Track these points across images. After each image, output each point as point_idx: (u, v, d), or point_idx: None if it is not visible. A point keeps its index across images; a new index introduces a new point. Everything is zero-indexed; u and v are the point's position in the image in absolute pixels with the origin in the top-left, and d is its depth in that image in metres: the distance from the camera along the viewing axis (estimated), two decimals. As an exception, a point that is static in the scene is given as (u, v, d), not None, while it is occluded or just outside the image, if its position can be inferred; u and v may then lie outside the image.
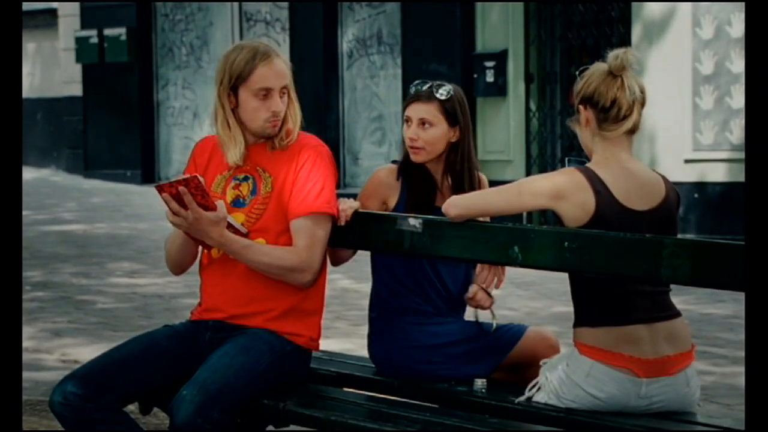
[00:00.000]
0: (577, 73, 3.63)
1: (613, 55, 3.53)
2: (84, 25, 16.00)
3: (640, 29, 11.03)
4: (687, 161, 10.70)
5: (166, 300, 8.09)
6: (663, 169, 10.64)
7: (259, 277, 3.76)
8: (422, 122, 3.98)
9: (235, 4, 14.61)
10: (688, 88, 10.68)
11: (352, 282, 8.61)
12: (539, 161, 11.85)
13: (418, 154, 3.99)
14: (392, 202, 4.01)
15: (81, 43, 15.86)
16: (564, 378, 3.51)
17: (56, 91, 17.17)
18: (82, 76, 16.29)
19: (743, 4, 10.31)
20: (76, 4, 16.28)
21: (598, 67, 3.56)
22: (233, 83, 3.76)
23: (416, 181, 4.00)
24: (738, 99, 10.39)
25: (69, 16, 16.57)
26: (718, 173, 10.62)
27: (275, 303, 3.78)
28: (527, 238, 3.48)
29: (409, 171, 4.01)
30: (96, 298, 8.37)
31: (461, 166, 4.00)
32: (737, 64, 10.40)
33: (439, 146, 3.99)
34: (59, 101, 17.08)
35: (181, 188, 3.59)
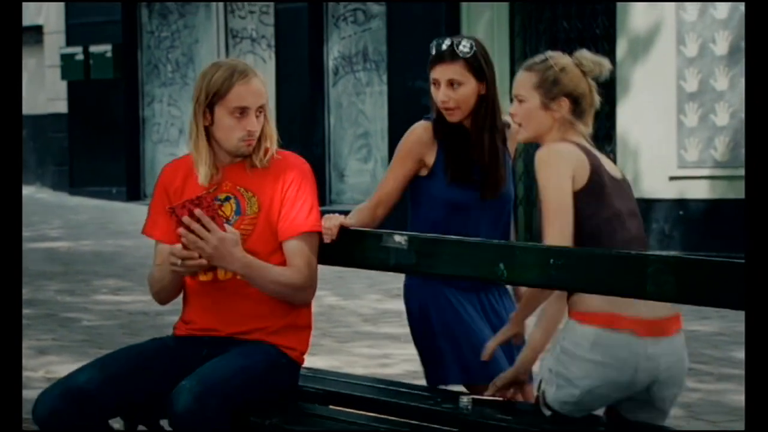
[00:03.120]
0: (538, 59, 3.71)
1: (591, 60, 3.67)
2: (69, 42, 15.99)
3: (624, 47, 11.07)
4: (672, 178, 10.73)
5: (151, 317, 8.08)
6: (648, 185, 10.68)
7: (256, 297, 3.77)
8: (450, 83, 3.98)
9: (221, 20, 14.63)
10: (673, 106, 10.72)
11: (338, 299, 8.60)
12: (525, 178, 11.88)
13: (453, 115, 4.00)
14: (430, 160, 4.02)
15: (66, 60, 15.85)
16: (566, 359, 3.49)
17: (42, 108, 17.15)
18: (68, 93, 16.28)
19: (726, 21, 10.36)
20: (62, 21, 16.27)
21: (569, 64, 3.68)
22: (210, 100, 3.75)
23: (453, 138, 4.01)
24: (722, 116, 10.44)
25: (55, 33, 16.57)
26: (702, 190, 10.66)
27: (273, 320, 3.79)
28: (512, 255, 3.49)
29: (444, 129, 4.02)
30: (81, 315, 8.35)
31: (485, 121, 4.02)
32: (721, 82, 10.44)
33: (471, 102, 4.00)
34: (44, 118, 17.05)
35: (198, 211, 3.57)
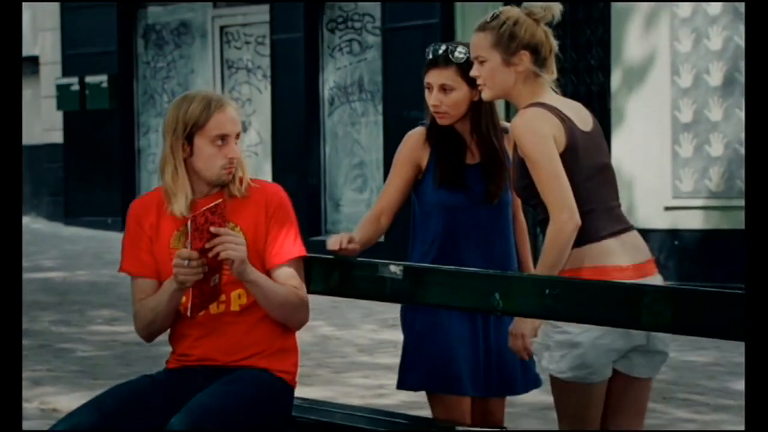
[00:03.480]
0: (489, 18, 3.73)
1: (540, 5, 3.70)
2: (65, 73, 16.01)
3: (619, 77, 11.11)
4: (667, 208, 10.73)
5: (146, 348, 8.05)
6: (643, 215, 10.68)
7: (248, 324, 3.78)
8: (442, 88, 4.05)
9: (217, 51, 14.66)
10: (668, 136, 10.74)
11: (334, 329, 8.58)
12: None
13: (443, 119, 4.07)
14: (423, 164, 4.09)
15: (62, 90, 15.87)
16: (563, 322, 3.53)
17: (37, 139, 17.14)
18: (64, 124, 16.29)
19: (720, 53, 10.40)
20: (58, 52, 16.30)
21: (521, 15, 3.70)
22: (189, 131, 3.75)
23: (444, 142, 4.08)
24: (717, 147, 10.46)
25: (51, 64, 16.59)
26: (697, 220, 10.66)
27: (266, 345, 3.82)
28: (508, 285, 3.49)
29: (436, 133, 4.10)
30: (76, 345, 8.32)
31: (486, 124, 4.08)
32: (716, 113, 10.47)
33: (462, 108, 4.07)
34: (40, 148, 17.05)
35: (215, 223, 3.56)
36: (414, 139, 4.13)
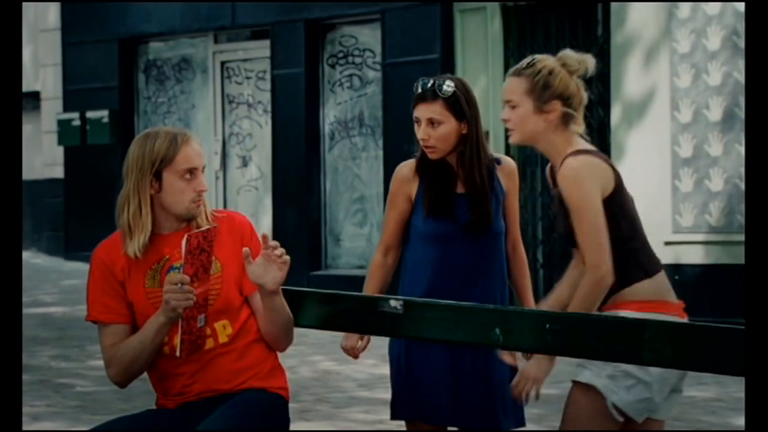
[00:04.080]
0: (525, 64, 3.79)
1: (576, 59, 3.80)
2: (66, 108, 16.05)
3: (619, 112, 11.13)
4: (667, 243, 10.73)
5: (146, 383, 8.01)
6: (643, 250, 10.67)
7: (241, 350, 3.80)
8: (430, 122, 4.09)
9: (218, 86, 14.70)
10: (668, 171, 10.76)
11: (334, 364, 8.56)
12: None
13: (433, 153, 4.12)
14: (413, 194, 4.15)
15: (63, 125, 15.90)
16: None
17: (38, 174, 17.17)
18: (64, 159, 16.32)
19: (720, 88, 10.43)
20: (59, 87, 16.35)
21: (557, 66, 3.78)
22: (156, 168, 3.74)
23: (432, 173, 4.13)
24: (717, 182, 10.47)
25: (51, 99, 16.64)
26: (697, 255, 10.66)
27: (260, 366, 3.84)
28: (508, 320, 3.48)
29: (426, 164, 4.15)
30: (75, 381, 8.30)
31: (470, 157, 4.11)
32: (715, 148, 10.49)
33: (451, 141, 4.11)
34: (41, 183, 17.07)
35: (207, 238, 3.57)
36: (404, 171, 4.19)
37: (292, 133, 13.54)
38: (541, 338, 3.39)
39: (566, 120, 3.76)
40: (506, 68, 11.92)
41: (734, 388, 7.69)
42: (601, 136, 11.14)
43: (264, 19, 13.93)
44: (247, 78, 14.48)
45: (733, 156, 10.33)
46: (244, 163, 14.42)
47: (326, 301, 3.95)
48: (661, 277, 3.73)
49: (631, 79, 11.04)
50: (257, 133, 14.34)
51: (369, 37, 13.27)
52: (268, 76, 14.03)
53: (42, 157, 17.09)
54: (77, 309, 12.11)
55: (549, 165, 3.90)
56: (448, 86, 4.08)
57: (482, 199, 4.11)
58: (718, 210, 10.45)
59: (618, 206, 3.67)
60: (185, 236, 3.52)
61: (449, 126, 4.08)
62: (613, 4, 11.13)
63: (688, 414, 7.15)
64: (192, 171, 3.76)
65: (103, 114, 15.46)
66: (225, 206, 14.19)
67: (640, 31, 10.96)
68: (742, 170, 10.05)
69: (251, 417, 3.68)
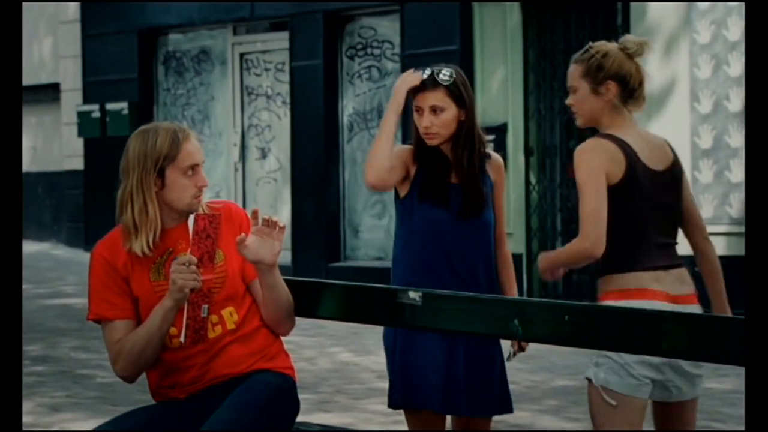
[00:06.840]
0: (582, 51, 4.00)
1: (634, 41, 4.07)
2: (86, 100, 16.10)
3: (638, 103, 11.10)
4: (687, 234, 10.71)
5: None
6: (663, 242, 10.66)
7: (248, 335, 3.84)
8: (433, 109, 4.18)
9: (237, 78, 14.72)
10: (687, 162, 10.73)
11: (352, 355, 8.55)
12: (539, 234, 11.87)
13: (433, 139, 4.21)
14: (412, 173, 4.23)
15: (83, 117, 15.95)
16: None
17: (57, 165, 17.23)
18: (84, 150, 16.37)
19: (740, 79, 10.38)
20: (79, 79, 16.40)
21: (612, 48, 4.00)
22: (160, 165, 3.76)
23: (430, 160, 4.22)
24: (737, 173, 10.43)
25: (71, 91, 16.69)
26: (717, 246, 10.51)
27: (267, 349, 3.88)
28: (527, 312, 3.48)
29: (423, 153, 4.23)
30: (95, 372, 8.33)
31: (465, 141, 4.21)
32: (735, 138, 10.45)
33: (452, 127, 4.22)
34: (60, 175, 17.14)
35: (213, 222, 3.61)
36: (405, 150, 4.27)
37: (311, 124, 13.55)
38: (560, 329, 3.40)
39: (625, 99, 3.94)
40: (525, 60, 11.92)
41: (754, 379, 7.66)
42: (620, 128, 11.12)
43: (283, 11, 13.94)
44: (266, 70, 14.50)
45: (753, 147, 10.30)
46: (263, 155, 14.44)
47: (345, 292, 3.96)
48: (649, 274, 3.81)
49: (651, 70, 10.98)
50: (276, 124, 14.36)
51: (388, 28, 13.27)
52: (286, 68, 14.04)
53: (62, 148, 17.15)
54: (97, 300, 12.14)
55: None
56: (446, 74, 4.19)
57: (474, 184, 4.18)
58: (738, 201, 10.42)
59: (626, 194, 3.74)
60: (192, 215, 3.56)
61: (451, 113, 4.19)
62: (632, -5, 11.10)
63: (706, 406, 7.14)
64: (194, 167, 3.79)
65: (122, 106, 15.50)
66: (244, 198, 14.22)
67: (660, 22, 10.93)
68: (763, 161, 10.01)
69: (261, 402, 3.70)
